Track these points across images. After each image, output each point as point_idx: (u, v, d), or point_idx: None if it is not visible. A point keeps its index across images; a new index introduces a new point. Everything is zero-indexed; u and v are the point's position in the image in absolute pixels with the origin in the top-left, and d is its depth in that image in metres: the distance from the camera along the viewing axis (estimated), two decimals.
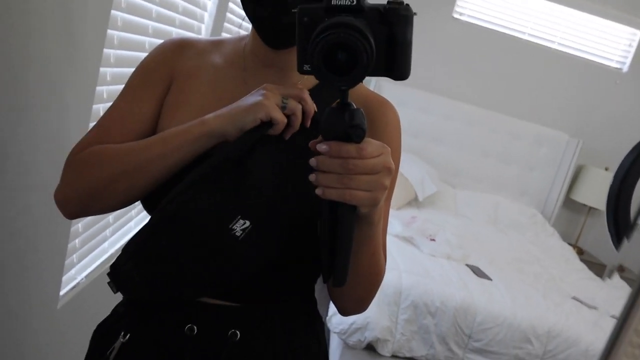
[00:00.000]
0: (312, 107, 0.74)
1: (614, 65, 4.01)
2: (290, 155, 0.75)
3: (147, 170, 0.75)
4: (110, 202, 0.79)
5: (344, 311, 0.85)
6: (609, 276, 3.19)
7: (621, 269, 3.78)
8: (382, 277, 0.80)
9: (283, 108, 0.72)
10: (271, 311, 0.80)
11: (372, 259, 0.74)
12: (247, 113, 0.71)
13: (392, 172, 0.62)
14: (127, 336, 0.79)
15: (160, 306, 0.78)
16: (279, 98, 0.72)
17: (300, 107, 0.73)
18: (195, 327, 0.77)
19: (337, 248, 0.64)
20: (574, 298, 2.67)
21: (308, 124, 0.75)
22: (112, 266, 0.74)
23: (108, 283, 0.74)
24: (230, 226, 0.71)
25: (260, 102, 0.71)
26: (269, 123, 0.72)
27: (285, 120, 0.72)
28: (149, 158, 0.74)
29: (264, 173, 0.74)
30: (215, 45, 0.89)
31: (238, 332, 0.77)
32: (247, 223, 0.72)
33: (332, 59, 0.54)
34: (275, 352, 0.80)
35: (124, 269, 0.73)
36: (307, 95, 0.74)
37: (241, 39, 0.88)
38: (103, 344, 0.82)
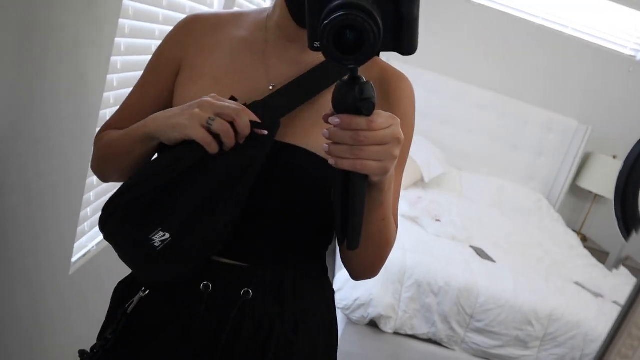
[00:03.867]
0: (245, 126, 0.72)
1: (627, 52, 3.97)
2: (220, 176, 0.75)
3: (125, 158, 0.84)
4: (115, 176, 0.90)
5: (355, 275, 0.88)
6: (616, 267, 3.20)
7: (624, 258, 3.80)
8: (393, 242, 0.83)
9: (208, 127, 0.71)
10: (282, 273, 0.83)
11: (383, 224, 0.77)
12: (171, 130, 0.73)
13: (401, 142, 0.65)
14: (147, 291, 0.83)
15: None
16: (205, 117, 0.71)
17: (227, 127, 0.71)
18: (210, 285, 0.80)
19: (350, 213, 0.68)
20: (577, 283, 2.69)
21: (241, 141, 0.73)
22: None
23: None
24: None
25: (182, 121, 0.72)
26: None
27: (208, 140, 0.71)
28: (123, 150, 0.83)
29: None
30: (236, 17, 0.90)
31: (251, 291, 0.81)
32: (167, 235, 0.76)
33: (341, 38, 0.56)
34: (285, 312, 0.83)
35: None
36: (241, 114, 0.72)
37: (262, 10, 0.89)
38: (123, 298, 0.86)
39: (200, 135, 0.71)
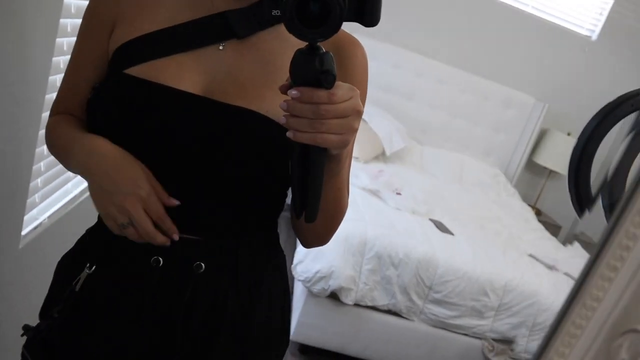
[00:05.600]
0: (159, 239, 0.75)
1: (584, 32, 4.05)
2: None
3: (68, 162, 0.82)
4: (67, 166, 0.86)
5: (307, 244, 0.88)
6: (570, 242, 3.31)
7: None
8: (345, 211, 0.83)
9: (122, 226, 0.73)
10: (235, 244, 0.82)
11: (337, 194, 0.78)
12: (94, 200, 0.75)
13: (361, 114, 0.64)
14: (93, 267, 0.79)
15: (125, 237, 0.77)
16: (120, 221, 0.73)
17: (137, 236, 0.74)
18: (160, 259, 0.78)
19: (308, 187, 0.67)
20: (531, 256, 2.78)
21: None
22: None
23: None
24: None
25: (101, 207, 0.74)
26: None
27: (121, 233, 0.75)
28: (65, 159, 0.82)
29: None
30: None
31: (203, 264, 0.79)
32: None
33: (304, 10, 0.54)
34: (238, 284, 0.81)
35: None
36: (166, 222, 0.75)
37: None
38: (68, 274, 0.82)
39: (115, 231, 0.75)
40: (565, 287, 2.53)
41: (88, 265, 0.80)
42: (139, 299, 0.78)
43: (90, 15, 0.84)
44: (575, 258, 2.91)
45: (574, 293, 0.38)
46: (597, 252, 0.37)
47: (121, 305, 0.79)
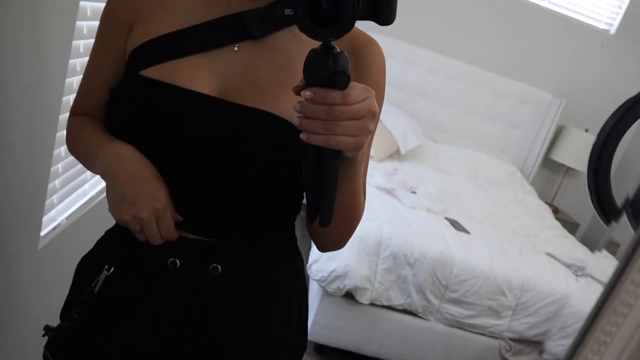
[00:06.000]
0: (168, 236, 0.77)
1: (602, 26, 3.99)
2: None
3: (91, 164, 0.83)
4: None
5: (323, 247, 0.87)
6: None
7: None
8: (362, 214, 0.82)
9: (135, 232, 0.77)
10: (251, 247, 0.81)
11: (353, 197, 0.76)
12: (109, 203, 0.77)
13: (376, 116, 0.63)
14: (111, 269, 0.80)
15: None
16: (137, 226, 0.75)
17: (144, 238, 0.76)
18: (177, 261, 0.78)
19: (322, 190, 0.65)
20: (548, 254, 2.74)
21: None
22: None
23: None
24: None
25: (122, 218, 0.76)
26: None
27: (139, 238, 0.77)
28: (88, 160, 0.83)
29: None
30: None
31: (219, 267, 0.79)
32: None
33: (317, 9, 0.52)
34: (255, 286, 0.81)
35: None
36: (169, 237, 0.77)
37: None
38: (87, 276, 0.83)
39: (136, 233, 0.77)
40: (584, 286, 2.49)
41: (106, 267, 0.81)
42: (156, 301, 0.78)
43: (107, 17, 0.84)
44: (596, 257, 2.87)
45: (603, 299, 0.36)
46: (627, 257, 0.35)
47: (138, 307, 0.79)
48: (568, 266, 2.64)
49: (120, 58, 0.83)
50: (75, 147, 0.87)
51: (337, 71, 0.57)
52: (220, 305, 0.79)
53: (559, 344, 2.38)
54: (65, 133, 0.90)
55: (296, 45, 0.78)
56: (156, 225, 0.75)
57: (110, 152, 0.76)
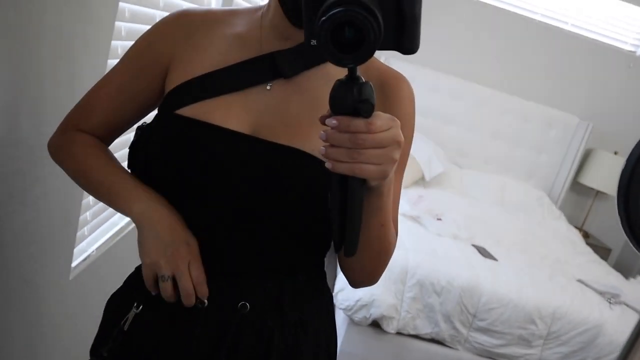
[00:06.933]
0: (189, 296, 0.76)
1: (627, 48, 3.95)
2: None
3: (94, 192, 0.86)
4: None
5: (354, 283, 0.86)
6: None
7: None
8: (393, 249, 0.81)
9: (159, 279, 0.76)
10: (280, 284, 0.81)
11: (382, 230, 0.75)
12: (139, 246, 0.78)
13: (401, 145, 0.62)
14: (140, 307, 0.81)
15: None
16: (162, 273, 0.75)
17: (170, 294, 0.76)
18: (205, 300, 0.78)
19: (347, 219, 0.65)
20: (579, 281, 2.68)
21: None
22: None
23: None
24: None
25: (146, 256, 0.76)
26: None
27: (152, 290, 0.78)
28: (95, 189, 0.85)
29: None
30: (228, 14, 0.87)
31: (248, 305, 0.79)
32: None
33: (339, 35, 0.54)
34: (283, 323, 0.81)
35: None
36: (188, 296, 0.76)
37: (257, 9, 0.87)
38: (117, 314, 0.84)
39: (148, 284, 0.78)
40: (619, 314, 2.42)
41: (135, 304, 0.82)
42: (185, 341, 0.79)
43: (142, 47, 0.87)
44: (631, 283, 2.78)
45: (639, 327, 0.36)
46: None
47: (167, 345, 0.80)
48: (601, 293, 2.57)
49: (146, 91, 0.86)
50: (75, 165, 0.87)
51: (362, 100, 0.59)
52: (250, 342, 0.79)
53: None
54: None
55: (326, 84, 0.79)
56: (188, 272, 0.76)
57: (147, 199, 0.78)
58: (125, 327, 0.81)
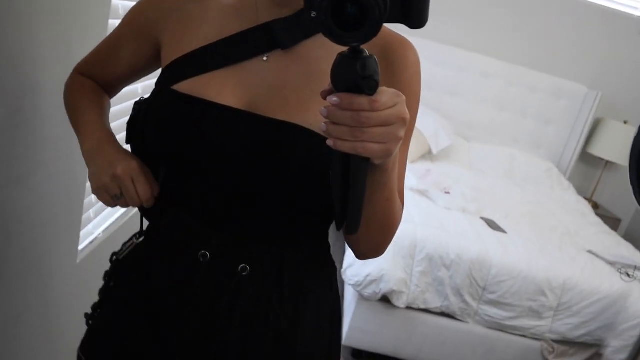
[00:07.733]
0: (138, 203, 0.80)
1: (637, 14, 3.86)
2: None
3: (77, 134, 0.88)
4: None
5: (361, 256, 0.85)
6: None
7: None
8: (399, 222, 0.79)
9: (116, 197, 0.80)
10: (281, 253, 0.81)
11: (387, 205, 0.73)
12: (89, 175, 0.81)
13: (406, 123, 0.59)
14: (141, 238, 0.85)
15: (175, 223, 0.81)
16: (112, 192, 0.79)
17: (126, 205, 0.80)
18: (208, 254, 0.78)
19: (349, 197, 0.63)
20: (590, 252, 2.66)
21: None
22: None
23: None
24: None
25: (94, 181, 0.80)
26: None
27: (111, 205, 0.82)
28: (74, 125, 0.90)
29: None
30: None
31: (248, 267, 0.79)
32: None
33: (342, 11, 0.50)
34: (282, 291, 0.81)
35: None
36: (147, 199, 0.80)
37: None
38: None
39: (104, 202, 0.82)
40: (631, 286, 2.40)
41: (137, 235, 0.84)
42: (183, 292, 0.79)
43: (137, 12, 0.88)
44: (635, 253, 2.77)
45: None
46: None
47: (165, 296, 0.80)
48: (611, 264, 2.56)
49: (137, 57, 0.89)
50: (69, 109, 0.92)
51: (365, 76, 0.55)
52: (247, 305, 0.79)
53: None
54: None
55: (326, 52, 0.76)
56: (132, 184, 0.78)
57: (98, 138, 0.83)
58: (121, 257, 0.87)
